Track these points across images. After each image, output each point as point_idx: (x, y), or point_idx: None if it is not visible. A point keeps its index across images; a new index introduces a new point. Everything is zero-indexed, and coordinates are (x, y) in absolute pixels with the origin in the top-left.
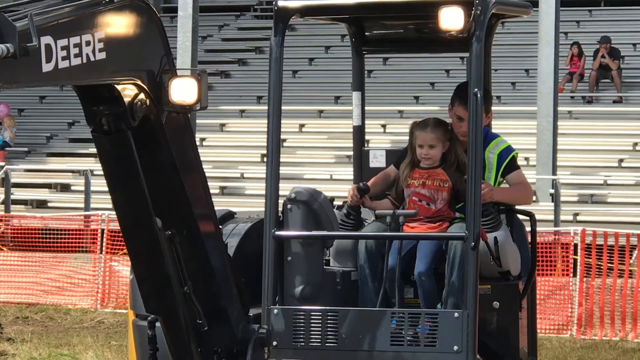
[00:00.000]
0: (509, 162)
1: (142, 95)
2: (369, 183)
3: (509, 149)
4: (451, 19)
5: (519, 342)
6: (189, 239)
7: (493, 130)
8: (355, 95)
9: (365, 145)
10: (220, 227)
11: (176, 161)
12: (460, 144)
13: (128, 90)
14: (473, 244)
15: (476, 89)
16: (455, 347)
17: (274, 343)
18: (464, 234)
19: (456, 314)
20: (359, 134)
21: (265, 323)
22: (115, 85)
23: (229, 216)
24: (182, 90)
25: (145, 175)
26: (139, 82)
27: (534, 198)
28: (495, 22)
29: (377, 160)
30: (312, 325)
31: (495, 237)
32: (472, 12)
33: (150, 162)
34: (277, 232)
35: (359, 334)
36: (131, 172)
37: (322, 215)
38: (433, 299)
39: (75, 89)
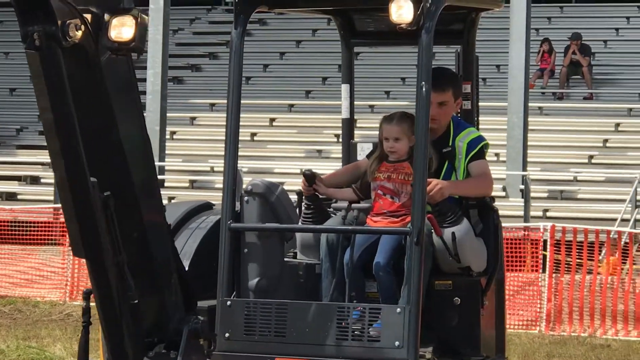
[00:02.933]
0: (476, 152)
1: (77, 20)
2: (338, 172)
3: (479, 139)
4: (401, 12)
5: (480, 339)
6: (125, 206)
7: None
8: (345, 88)
9: (354, 138)
10: (195, 217)
11: (115, 111)
12: (430, 136)
13: (64, 12)
14: (416, 239)
15: (423, 82)
16: (397, 343)
17: (227, 335)
18: (408, 229)
19: (398, 309)
20: (348, 126)
21: (219, 315)
22: (53, 5)
23: (206, 207)
24: (120, 27)
25: (78, 116)
26: (73, 5)
27: (504, 194)
28: (475, 16)
29: (364, 153)
30: (262, 317)
31: (453, 233)
32: (422, 4)
33: (86, 100)
34: (232, 224)
35: (307, 327)
36: (59, 93)
37: (280, 208)
38: (391, 293)
39: (15, 6)
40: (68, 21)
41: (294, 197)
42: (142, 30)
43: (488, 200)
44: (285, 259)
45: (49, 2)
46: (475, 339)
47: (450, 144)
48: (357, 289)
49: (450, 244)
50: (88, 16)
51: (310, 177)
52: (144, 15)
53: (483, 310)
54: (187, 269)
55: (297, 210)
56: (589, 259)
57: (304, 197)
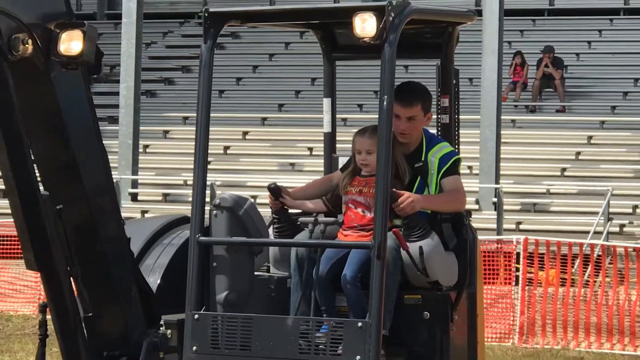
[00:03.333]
0: (448, 167)
1: (24, 35)
2: (310, 185)
3: (451, 153)
4: (364, 26)
5: (450, 353)
6: (79, 219)
7: None
8: (326, 102)
9: (335, 152)
10: (171, 230)
11: (67, 126)
12: (400, 150)
13: (10, 26)
14: (377, 253)
15: (385, 96)
16: (358, 357)
17: (194, 348)
18: (370, 243)
19: (360, 324)
20: (330, 140)
21: (187, 328)
22: None
23: (184, 220)
24: (68, 41)
25: (30, 131)
26: (21, 20)
27: (477, 207)
28: (453, 30)
29: None
30: (229, 331)
31: (421, 247)
32: (384, 18)
33: (38, 115)
34: (201, 238)
35: (271, 341)
36: (6, 107)
37: (248, 221)
38: (359, 307)
39: None
40: (14, 35)
41: (268, 211)
42: (90, 43)
43: (464, 214)
44: (256, 273)
45: None
46: (444, 354)
47: (422, 159)
48: (327, 303)
49: (417, 258)
50: (37, 31)
51: (275, 191)
52: (92, 29)
53: (453, 325)
54: (158, 282)
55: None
56: (561, 272)
57: (273, 212)
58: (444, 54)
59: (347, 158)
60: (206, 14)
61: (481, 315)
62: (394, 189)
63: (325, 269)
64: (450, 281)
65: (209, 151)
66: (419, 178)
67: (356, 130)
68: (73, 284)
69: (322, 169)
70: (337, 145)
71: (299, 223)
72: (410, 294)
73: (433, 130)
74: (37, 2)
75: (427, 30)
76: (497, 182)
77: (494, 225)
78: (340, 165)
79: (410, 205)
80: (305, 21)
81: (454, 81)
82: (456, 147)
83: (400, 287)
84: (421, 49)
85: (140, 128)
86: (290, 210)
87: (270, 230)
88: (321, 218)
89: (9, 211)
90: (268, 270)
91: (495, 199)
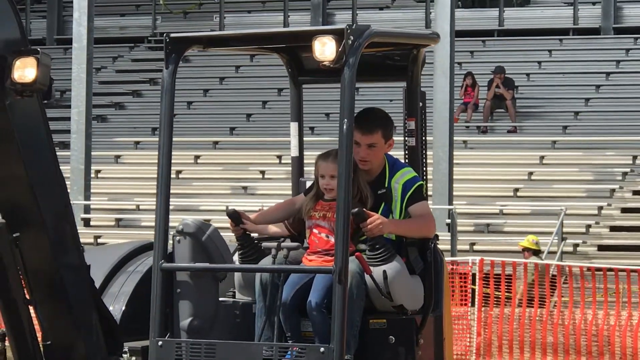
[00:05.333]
0: (412, 193)
1: None
2: (272, 208)
3: (414, 179)
4: (324, 49)
5: None
6: (36, 246)
7: None
8: (293, 126)
9: (303, 175)
10: (136, 257)
11: (23, 153)
12: (364, 176)
13: None
14: (338, 278)
15: (345, 119)
16: None
17: None
18: (331, 267)
19: (322, 349)
20: (297, 164)
21: (151, 355)
22: None
23: (147, 247)
24: (22, 68)
25: None
26: None
27: None
28: (417, 53)
29: None
30: (192, 357)
31: (385, 271)
32: (343, 42)
33: None
34: (164, 264)
35: None
36: None
37: (211, 247)
38: (325, 332)
39: None
40: None
41: (225, 235)
42: (44, 70)
43: (431, 238)
44: (221, 299)
45: None
46: None
47: (386, 185)
48: (291, 329)
49: (381, 282)
50: None
51: (234, 217)
52: (46, 55)
53: (419, 349)
54: (123, 309)
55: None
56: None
57: (236, 237)
58: (410, 77)
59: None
60: (167, 39)
61: (448, 338)
62: (364, 209)
63: (289, 295)
64: (416, 305)
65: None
66: (382, 204)
67: (311, 153)
68: (32, 311)
69: (275, 192)
70: (288, 169)
71: (262, 248)
72: (375, 318)
73: (400, 153)
74: None
75: (392, 52)
76: (450, 203)
77: (448, 247)
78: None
79: (378, 227)
80: (268, 45)
81: (421, 104)
82: (424, 168)
83: (365, 311)
84: (387, 72)
85: (92, 153)
86: (254, 235)
87: (236, 255)
88: (285, 243)
89: None
90: (234, 296)
91: (449, 220)
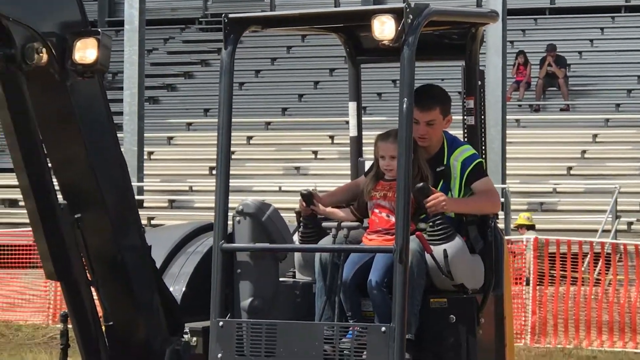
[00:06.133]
0: (472, 170)
1: (38, 44)
2: (338, 191)
3: (473, 156)
4: (383, 29)
5: (477, 356)
6: (98, 228)
7: None
8: (352, 106)
9: (362, 155)
10: (196, 238)
11: (84, 134)
12: (423, 154)
13: (25, 36)
14: (399, 257)
15: (405, 98)
16: None
17: (219, 355)
18: (392, 246)
19: (383, 328)
20: (356, 144)
21: (212, 335)
22: (11, 28)
23: (207, 228)
24: (83, 49)
25: (48, 140)
26: (35, 29)
27: None
28: (476, 31)
29: None
30: (253, 337)
31: (445, 250)
32: (403, 20)
33: (55, 124)
34: (224, 245)
35: (295, 347)
36: (22, 117)
37: (271, 227)
38: (386, 311)
39: None
40: (28, 44)
41: (285, 215)
42: (105, 51)
43: (490, 216)
44: (281, 279)
45: (7, 26)
46: (471, 357)
47: (444, 163)
48: (352, 308)
49: (442, 261)
50: (52, 40)
51: (307, 197)
52: (106, 36)
53: (479, 328)
54: (183, 290)
55: (297, 229)
56: (572, 271)
57: (302, 217)
58: (469, 55)
59: (372, 162)
60: (226, 20)
61: (509, 317)
62: (428, 185)
63: (349, 274)
64: (476, 284)
65: (214, 156)
66: (441, 182)
67: (365, 133)
68: (94, 293)
69: (328, 172)
70: (341, 149)
71: (322, 226)
72: (436, 297)
73: (459, 132)
74: (52, 11)
75: (450, 31)
76: (503, 182)
77: (502, 226)
78: (366, 169)
79: (440, 204)
80: (326, 25)
81: (479, 82)
82: (483, 147)
83: (426, 290)
84: (445, 51)
85: (145, 135)
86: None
87: (295, 235)
88: (345, 223)
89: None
90: (294, 276)
91: (502, 199)
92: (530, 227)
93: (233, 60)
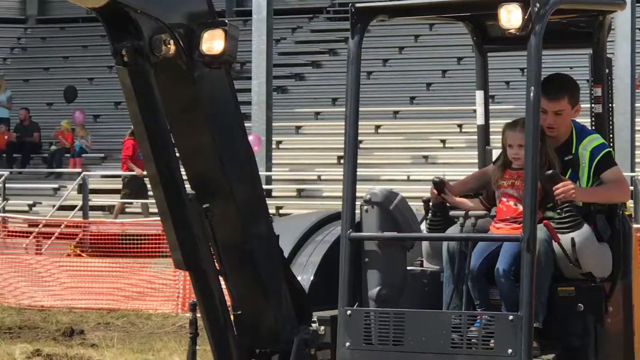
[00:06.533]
0: (601, 160)
1: (165, 36)
2: (467, 179)
3: (602, 146)
4: (510, 17)
5: (604, 345)
6: (227, 218)
7: None
8: (479, 94)
9: (489, 144)
10: (324, 227)
11: (212, 124)
12: (550, 143)
13: (153, 27)
14: (526, 245)
15: (532, 87)
16: (510, 350)
17: (347, 344)
18: (520, 235)
19: (511, 317)
20: (483, 133)
21: (340, 324)
22: (139, 21)
23: (335, 217)
24: (210, 40)
25: (175, 130)
26: (162, 21)
27: None
28: (604, 19)
29: None
30: (381, 326)
31: (573, 239)
32: (529, 9)
33: (183, 115)
34: (352, 234)
35: (423, 336)
36: (150, 108)
37: (399, 216)
38: (512, 300)
39: (103, 23)
40: (156, 36)
41: (412, 205)
42: (232, 42)
43: (619, 205)
44: (409, 268)
45: (135, 18)
46: (598, 346)
47: (572, 152)
48: (480, 297)
49: (569, 250)
50: (179, 31)
51: (439, 185)
52: (234, 27)
53: (607, 317)
54: (311, 279)
55: (425, 217)
56: None
57: (430, 205)
58: (596, 43)
59: (500, 151)
60: (353, 9)
61: (638, 305)
62: (558, 173)
63: (477, 263)
64: (604, 272)
65: (342, 146)
66: (569, 171)
67: (493, 122)
68: (222, 282)
69: (456, 161)
70: (469, 137)
71: (450, 214)
72: (564, 286)
73: (586, 120)
74: (179, 2)
75: (578, 19)
76: (632, 170)
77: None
78: (494, 158)
79: (569, 192)
80: (453, 14)
81: (607, 70)
82: (611, 135)
83: (553, 279)
84: (572, 39)
85: (273, 124)
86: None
87: (423, 224)
88: (472, 212)
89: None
90: (421, 265)
91: (631, 187)
92: None
93: (360, 50)
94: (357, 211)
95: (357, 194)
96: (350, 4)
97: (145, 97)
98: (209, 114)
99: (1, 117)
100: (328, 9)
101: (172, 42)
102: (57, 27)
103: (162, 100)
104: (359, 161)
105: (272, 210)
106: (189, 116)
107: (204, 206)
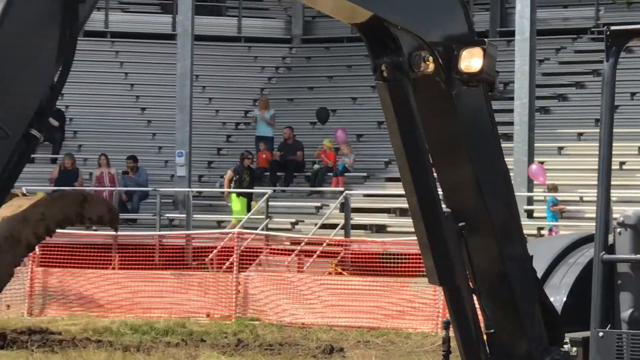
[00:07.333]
0: None
1: (425, 52)
2: None
3: None
4: None
5: None
6: (481, 237)
7: None
8: None
9: None
10: (577, 249)
11: (468, 143)
12: None
13: (412, 44)
14: None
15: None
16: None
17: None
18: None
19: None
20: None
21: (592, 346)
22: (399, 37)
23: (588, 239)
24: (469, 58)
25: (431, 147)
26: (423, 38)
27: None
28: None
29: None
30: (633, 349)
31: None
32: None
33: (439, 132)
34: (605, 256)
35: None
36: (408, 124)
37: None
38: None
39: (364, 39)
40: (415, 53)
41: None
42: (490, 60)
43: None
44: None
45: (395, 34)
46: None
47: None
48: None
49: None
50: (438, 49)
51: None
52: (492, 46)
53: None
54: (564, 300)
55: None
56: None
57: None
58: None
59: None
60: (608, 32)
61: None
62: None
63: None
64: None
65: None
66: None
67: None
68: (475, 300)
69: None
70: None
71: None
72: None
73: None
74: (440, 21)
75: None
76: None
77: None
78: None
79: None
80: None
81: None
82: None
83: None
84: None
85: (535, 145)
86: None
87: None
88: None
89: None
90: None
91: None
92: None
93: (615, 72)
94: (612, 234)
95: (617, 215)
96: (605, 27)
97: (404, 112)
98: (465, 132)
99: (265, 135)
100: (592, 29)
101: (431, 59)
102: (321, 46)
103: (421, 120)
104: (621, 182)
105: (532, 232)
106: (445, 134)
107: (460, 225)
